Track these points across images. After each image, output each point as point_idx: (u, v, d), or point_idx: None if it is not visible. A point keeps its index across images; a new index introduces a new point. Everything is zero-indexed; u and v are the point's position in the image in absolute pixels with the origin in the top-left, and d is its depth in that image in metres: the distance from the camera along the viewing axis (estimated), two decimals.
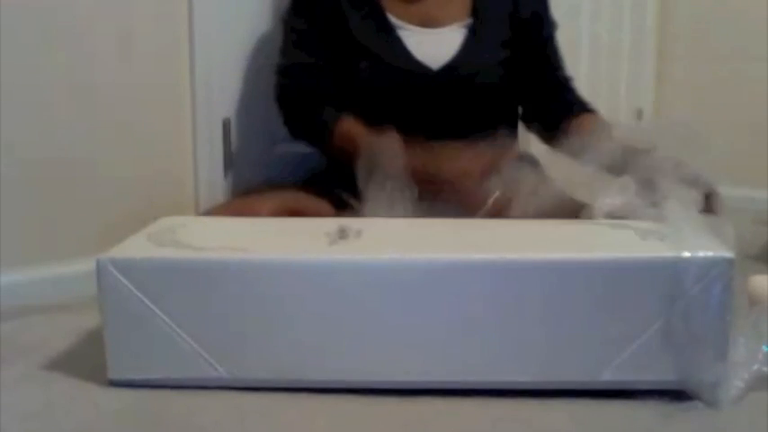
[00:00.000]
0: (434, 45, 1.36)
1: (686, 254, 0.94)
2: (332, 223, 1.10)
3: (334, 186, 1.39)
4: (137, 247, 1.01)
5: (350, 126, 1.32)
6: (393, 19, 1.36)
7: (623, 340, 0.95)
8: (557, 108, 1.44)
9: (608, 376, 0.96)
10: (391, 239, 1.04)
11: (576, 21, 2.13)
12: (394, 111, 1.36)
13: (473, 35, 1.38)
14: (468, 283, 0.95)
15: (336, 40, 1.37)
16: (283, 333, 0.97)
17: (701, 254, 0.94)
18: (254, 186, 1.56)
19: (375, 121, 1.35)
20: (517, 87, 1.45)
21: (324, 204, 1.36)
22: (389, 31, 1.35)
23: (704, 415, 0.94)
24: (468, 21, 1.39)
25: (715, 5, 2.28)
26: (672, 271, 0.93)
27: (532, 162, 1.53)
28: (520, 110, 1.51)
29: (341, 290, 0.96)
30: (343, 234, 1.04)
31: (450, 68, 1.35)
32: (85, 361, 1.07)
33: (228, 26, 1.54)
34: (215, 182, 1.55)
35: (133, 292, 0.96)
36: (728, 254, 0.94)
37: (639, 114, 2.58)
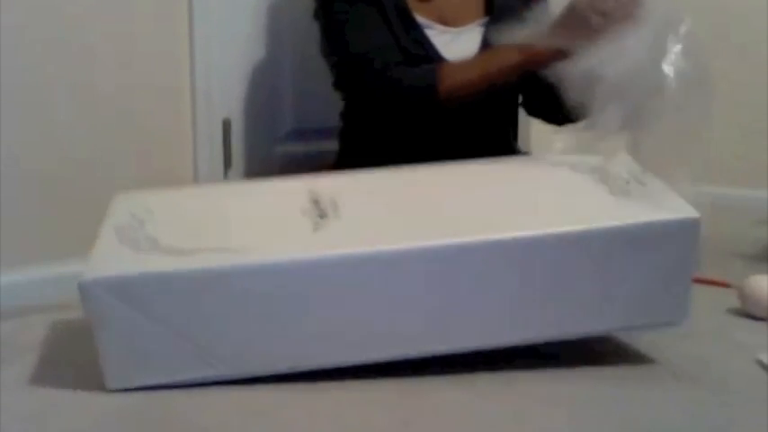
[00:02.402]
0: (458, 44, 1.37)
1: (656, 217, 1.02)
2: (302, 194, 1.07)
3: None
4: (114, 259, 0.97)
5: (454, 64, 1.31)
6: (418, 17, 1.36)
7: (606, 294, 1.02)
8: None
9: (581, 329, 1.04)
10: (371, 217, 1.03)
11: None
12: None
13: (490, 32, 1.37)
14: (455, 264, 0.98)
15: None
16: (273, 329, 0.97)
17: (671, 216, 1.02)
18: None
19: (401, 118, 1.36)
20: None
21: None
22: (417, 30, 1.35)
23: (705, 408, 0.94)
24: (484, 19, 1.40)
25: (714, 6, 2.27)
26: (644, 234, 1.01)
27: None
28: (521, 100, 1.51)
29: (329, 282, 0.97)
30: (321, 212, 1.03)
31: None
32: (85, 360, 1.06)
33: (228, 26, 1.54)
34: (215, 182, 1.55)
35: (119, 306, 0.94)
36: (694, 214, 1.02)
37: None
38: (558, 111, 1.46)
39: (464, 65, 1.31)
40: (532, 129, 1.88)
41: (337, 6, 1.37)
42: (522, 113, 1.53)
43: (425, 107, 1.29)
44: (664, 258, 1.03)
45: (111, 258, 0.97)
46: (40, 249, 1.36)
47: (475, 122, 1.40)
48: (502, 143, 1.48)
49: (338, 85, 1.40)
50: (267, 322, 0.97)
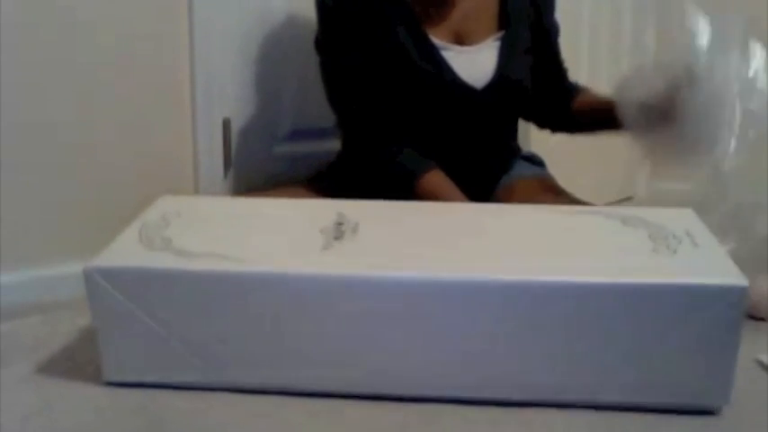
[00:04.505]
0: (475, 65, 1.35)
1: (699, 280, 0.91)
2: (330, 214, 1.08)
3: (336, 185, 1.39)
4: (125, 252, 0.99)
5: (438, 182, 1.31)
6: (434, 40, 1.34)
7: (629, 362, 0.93)
8: (558, 95, 1.47)
9: (611, 397, 0.94)
10: (388, 244, 1.01)
11: (576, 20, 2.13)
12: (434, 119, 1.36)
13: (506, 48, 1.38)
14: (463, 301, 0.93)
15: (379, 53, 1.33)
16: (272, 342, 0.96)
17: (715, 281, 0.91)
18: (257, 186, 1.57)
19: (413, 124, 1.36)
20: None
21: None
22: (434, 53, 1.33)
23: (707, 416, 0.94)
24: (499, 33, 1.38)
25: (715, 5, 2.27)
26: (682, 297, 0.91)
27: (537, 162, 1.54)
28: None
29: (330, 301, 0.94)
30: (339, 232, 1.03)
31: (493, 86, 1.36)
32: (85, 361, 1.07)
33: (228, 26, 1.54)
34: (215, 182, 1.55)
35: (121, 300, 0.95)
36: (742, 281, 0.91)
37: None
38: (555, 118, 1.50)
39: (439, 187, 1.30)
40: (533, 129, 1.88)
41: (337, 46, 1.34)
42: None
43: (399, 192, 1.30)
44: (699, 329, 0.91)
45: (121, 252, 0.99)
46: (40, 249, 1.36)
47: (477, 123, 1.40)
48: (503, 142, 1.49)
49: (339, 128, 1.41)
50: (257, 335, 0.96)
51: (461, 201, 1.29)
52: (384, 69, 1.33)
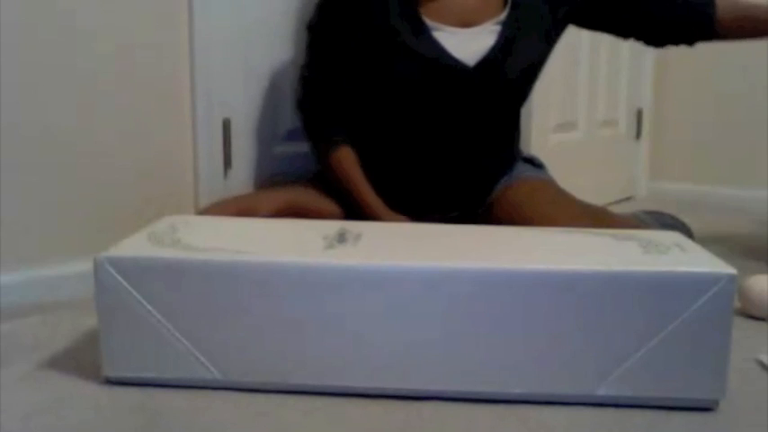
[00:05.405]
0: (469, 44, 1.37)
1: (688, 269, 0.93)
2: (333, 226, 1.10)
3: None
4: (135, 246, 1.01)
5: (342, 161, 1.39)
6: (428, 21, 1.36)
7: (620, 355, 0.94)
8: (686, 18, 1.45)
9: (603, 391, 0.95)
10: (389, 246, 1.03)
11: None
12: (429, 105, 1.38)
13: (507, 29, 1.39)
14: (464, 293, 0.94)
15: (371, 36, 1.37)
16: (276, 336, 0.96)
17: (704, 269, 0.93)
18: (257, 186, 1.57)
19: (409, 115, 1.38)
20: (642, 35, 1.49)
21: (326, 202, 1.36)
22: (425, 33, 1.36)
23: (704, 414, 0.94)
24: (503, 15, 1.40)
25: None
26: (673, 286, 0.92)
27: (537, 164, 1.54)
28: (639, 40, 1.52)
29: (333, 295, 0.95)
30: (342, 238, 1.04)
31: (486, 62, 1.37)
32: (85, 360, 1.07)
33: (228, 26, 1.54)
34: (215, 182, 1.55)
35: (129, 291, 0.97)
36: (730, 270, 0.92)
37: (639, 114, 2.58)
38: (664, 33, 1.48)
39: (344, 171, 1.39)
40: (533, 129, 1.88)
41: (315, 27, 1.42)
42: (523, 113, 1.54)
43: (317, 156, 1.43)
44: (691, 321, 0.92)
45: (131, 246, 1.01)
46: (40, 249, 1.37)
47: (477, 127, 1.40)
48: (504, 147, 1.49)
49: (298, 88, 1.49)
50: (261, 328, 0.96)
51: (363, 185, 1.36)
52: (373, 53, 1.36)
